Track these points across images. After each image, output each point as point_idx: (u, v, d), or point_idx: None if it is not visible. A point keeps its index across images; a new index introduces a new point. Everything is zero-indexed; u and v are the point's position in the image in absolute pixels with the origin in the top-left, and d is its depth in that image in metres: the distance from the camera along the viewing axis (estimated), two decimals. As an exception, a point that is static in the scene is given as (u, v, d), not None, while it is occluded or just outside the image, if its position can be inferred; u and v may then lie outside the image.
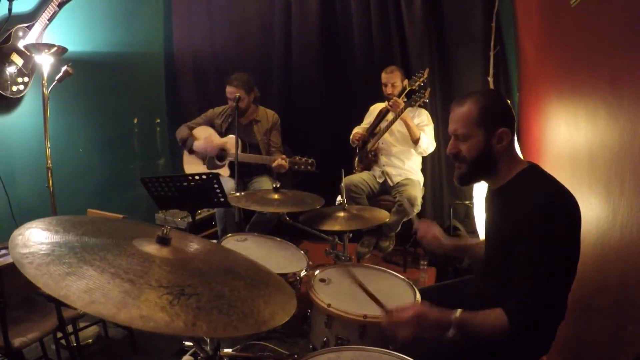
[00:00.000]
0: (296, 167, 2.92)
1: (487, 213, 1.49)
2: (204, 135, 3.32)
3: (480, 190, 2.92)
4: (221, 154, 3.25)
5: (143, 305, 0.78)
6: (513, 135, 1.32)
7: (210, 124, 3.36)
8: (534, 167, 1.33)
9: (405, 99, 3.03)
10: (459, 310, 1.20)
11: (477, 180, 1.43)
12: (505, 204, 1.32)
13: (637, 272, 1.23)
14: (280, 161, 2.95)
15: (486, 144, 1.29)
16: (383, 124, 3.17)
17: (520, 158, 1.38)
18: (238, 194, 2.37)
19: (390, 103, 3.02)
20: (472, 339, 1.20)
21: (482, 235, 2.84)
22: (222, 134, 3.29)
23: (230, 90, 3.10)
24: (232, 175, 3.15)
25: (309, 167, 2.89)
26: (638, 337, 1.20)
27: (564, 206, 1.20)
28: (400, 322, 1.22)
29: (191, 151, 3.31)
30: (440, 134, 3.38)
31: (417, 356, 1.17)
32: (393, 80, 3.12)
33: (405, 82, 3.09)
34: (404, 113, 2.96)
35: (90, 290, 0.78)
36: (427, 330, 1.22)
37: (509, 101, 2.87)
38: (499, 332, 1.17)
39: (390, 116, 3.11)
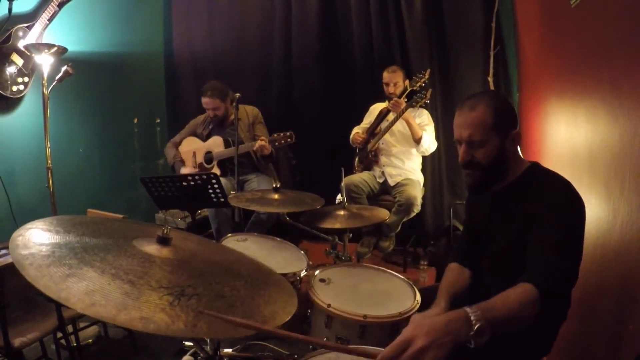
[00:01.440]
0: (277, 143, 2.91)
1: (488, 213, 1.45)
2: (190, 147, 3.35)
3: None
4: (208, 156, 3.27)
5: (143, 307, 0.78)
6: None
7: (194, 133, 3.39)
8: (538, 165, 1.33)
9: (406, 100, 3.04)
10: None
11: (493, 184, 1.34)
12: (515, 201, 1.29)
13: (637, 272, 1.23)
14: (260, 142, 2.92)
15: (501, 147, 1.26)
16: (384, 124, 3.17)
17: (521, 156, 1.37)
18: (238, 193, 2.38)
19: (391, 104, 3.03)
20: (500, 330, 0.99)
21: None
22: (205, 140, 3.33)
23: (206, 101, 3.13)
24: (223, 175, 3.17)
25: (288, 139, 2.88)
26: (638, 337, 1.20)
27: (579, 199, 1.20)
28: (403, 346, 0.90)
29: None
30: (440, 134, 3.38)
31: None
32: (395, 79, 3.12)
33: (407, 82, 3.09)
34: (406, 112, 2.96)
35: (91, 292, 0.77)
36: (447, 336, 0.92)
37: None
38: (528, 304, 1.02)
39: (391, 116, 3.11)
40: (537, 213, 1.20)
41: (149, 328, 0.74)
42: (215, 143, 3.23)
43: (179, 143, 3.42)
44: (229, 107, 3.16)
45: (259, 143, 2.92)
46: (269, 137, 2.94)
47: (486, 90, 1.38)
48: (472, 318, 0.95)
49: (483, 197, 1.44)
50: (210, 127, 3.31)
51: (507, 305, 1.02)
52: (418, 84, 3.00)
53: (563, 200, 1.19)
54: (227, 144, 3.16)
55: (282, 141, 2.89)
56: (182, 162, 3.34)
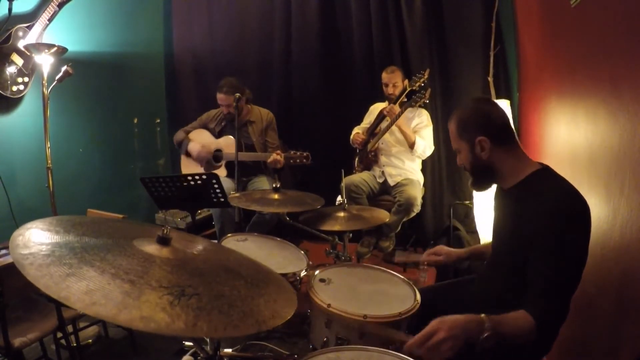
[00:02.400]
0: (292, 161, 2.92)
1: (497, 212, 1.50)
2: (199, 138, 3.33)
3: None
4: (217, 154, 3.26)
5: (144, 306, 0.78)
6: (498, 140, 1.32)
7: (205, 127, 3.38)
8: (547, 169, 1.33)
9: (406, 99, 3.04)
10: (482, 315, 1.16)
11: (487, 185, 1.46)
12: (518, 204, 1.32)
13: (637, 272, 1.23)
14: (275, 156, 2.94)
15: (472, 153, 1.37)
16: (383, 124, 3.17)
17: (529, 159, 1.37)
18: (238, 193, 2.37)
19: (386, 110, 3.05)
20: (502, 341, 1.15)
21: (484, 233, 2.85)
22: (217, 137, 3.30)
23: (221, 97, 3.11)
24: (229, 176, 3.16)
25: (304, 160, 2.89)
26: (638, 337, 1.20)
27: (583, 209, 1.21)
28: (429, 335, 1.12)
29: (187, 154, 3.32)
30: (440, 134, 3.38)
31: (416, 357, 1.17)
32: (394, 80, 3.12)
33: (406, 82, 3.10)
34: (400, 119, 2.98)
35: (91, 291, 0.77)
36: (461, 335, 1.11)
37: (508, 102, 2.89)
38: (525, 333, 1.15)
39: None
40: (536, 229, 1.22)
41: (150, 327, 0.74)
42: (227, 143, 3.22)
43: (189, 132, 3.40)
44: (243, 105, 3.15)
45: (273, 157, 2.93)
46: (285, 153, 2.93)
47: (468, 100, 1.46)
48: (485, 326, 1.12)
49: (497, 194, 1.52)
50: (222, 123, 3.30)
51: (515, 327, 1.16)
52: (417, 84, 3.01)
53: (565, 218, 1.19)
54: (240, 147, 3.15)
55: (298, 160, 2.91)
56: (190, 141, 3.32)
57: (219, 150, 3.25)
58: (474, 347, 1.13)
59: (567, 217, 1.19)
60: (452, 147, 1.45)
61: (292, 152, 2.93)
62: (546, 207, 1.21)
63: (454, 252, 1.69)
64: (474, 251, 1.72)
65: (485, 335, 1.11)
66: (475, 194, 2.97)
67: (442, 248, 1.71)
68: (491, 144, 1.32)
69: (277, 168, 3.02)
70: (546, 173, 1.32)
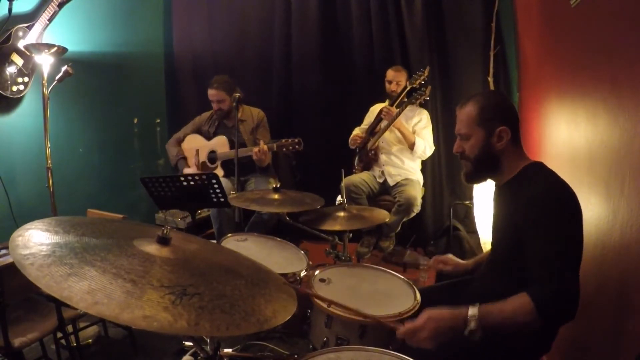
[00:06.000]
0: (284, 149, 2.88)
1: (494, 210, 1.52)
2: (193, 144, 3.33)
3: (480, 190, 2.92)
4: (211, 156, 3.25)
5: (146, 306, 0.78)
6: (515, 134, 1.36)
7: (199, 130, 3.37)
8: (538, 164, 1.36)
9: (406, 99, 3.04)
10: (475, 305, 1.17)
11: (483, 177, 1.46)
12: (512, 196, 1.35)
13: (637, 272, 1.23)
14: (258, 146, 2.86)
15: (486, 142, 1.35)
16: (383, 123, 3.17)
17: (525, 156, 1.41)
18: (238, 193, 2.37)
19: (383, 113, 3.05)
20: (495, 332, 1.15)
21: (484, 233, 2.85)
22: (212, 137, 3.30)
23: (212, 93, 3.11)
24: (226, 176, 3.16)
25: (296, 146, 2.86)
26: (638, 337, 1.20)
27: (571, 196, 1.24)
28: (415, 330, 1.19)
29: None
30: (440, 135, 3.38)
31: (417, 357, 1.17)
32: (398, 78, 3.15)
33: (407, 82, 3.10)
34: (398, 121, 2.99)
35: (93, 291, 0.77)
36: (446, 330, 1.17)
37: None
38: (523, 316, 1.12)
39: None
40: (528, 215, 1.24)
41: (153, 326, 0.74)
42: (220, 143, 3.22)
43: (182, 140, 3.39)
44: (232, 104, 3.15)
45: (258, 147, 2.90)
46: (277, 143, 2.89)
47: (485, 90, 1.47)
48: (468, 318, 1.15)
49: (494, 192, 1.52)
50: (216, 124, 3.29)
51: (502, 313, 1.15)
52: (417, 82, 3.02)
53: (553, 198, 1.22)
54: (232, 145, 3.14)
55: (290, 147, 2.87)
56: (186, 161, 3.32)
57: (213, 152, 3.25)
58: (466, 343, 1.15)
59: (556, 200, 1.22)
60: (459, 131, 1.41)
61: (282, 140, 2.87)
62: (536, 193, 1.24)
63: (462, 264, 1.69)
64: (479, 260, 1.70)
65: (469, 328, 1.14)
66: (475, 193, 2.97)
67: (451, 258, 1.71)
68: (511, 136, 1.34)
69: (263, 166, 3.00)
70: (537, 167, 1.35)
